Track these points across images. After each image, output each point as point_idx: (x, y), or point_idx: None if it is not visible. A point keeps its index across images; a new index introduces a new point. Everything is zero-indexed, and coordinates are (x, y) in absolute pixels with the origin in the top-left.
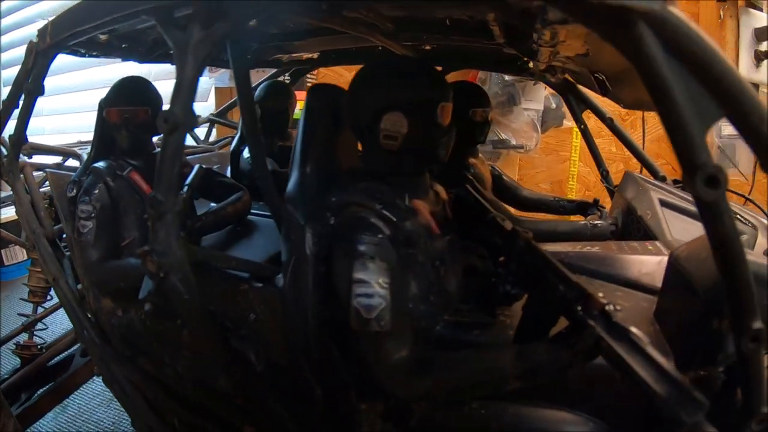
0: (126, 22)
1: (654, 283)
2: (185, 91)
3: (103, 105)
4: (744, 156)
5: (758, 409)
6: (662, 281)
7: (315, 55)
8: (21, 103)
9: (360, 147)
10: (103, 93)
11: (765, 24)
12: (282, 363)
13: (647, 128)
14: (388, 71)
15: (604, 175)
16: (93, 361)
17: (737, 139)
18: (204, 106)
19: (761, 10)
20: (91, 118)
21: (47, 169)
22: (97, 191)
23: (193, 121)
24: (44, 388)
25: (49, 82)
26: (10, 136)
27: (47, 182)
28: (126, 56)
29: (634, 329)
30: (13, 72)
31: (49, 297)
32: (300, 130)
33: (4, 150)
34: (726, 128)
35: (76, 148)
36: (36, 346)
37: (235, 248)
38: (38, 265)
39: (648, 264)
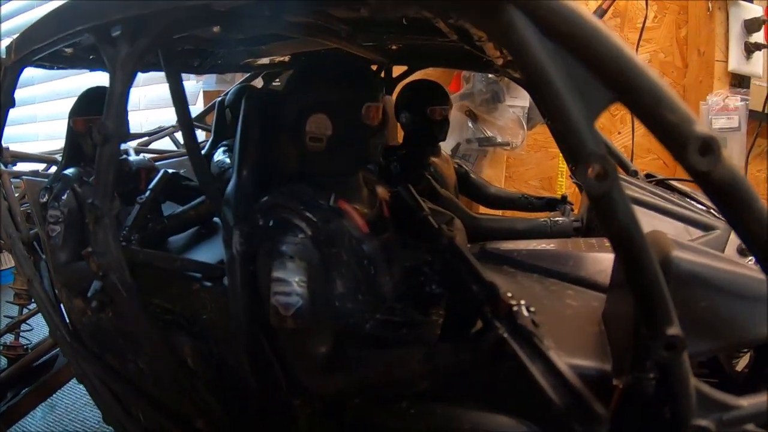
0: (77, 39)
1: (607, 281)
2: (116, 103)
3: (70, 114)
4: (736, 148)
5: (686, 422)
6: (610, 280)
7: (286, 58)
8: None
9: None
10: None
11: (755, 15)
12: (229, 360)
13: (637, 123)
14: (314, 73)
15: (573, 171)
16: (68, 359)
17: (729, 132)
18: (192, 109)
19: (751, 1)
20: None
21: (24, 177)
22: (64, 197)
23: (125, 132)
24: (29, 387)
25: (43, 89)
26: None
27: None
28: (93, 67)
29: (539, 333)
30: None
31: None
32: (237, 136)
33: None
34: (717, 121)
35: (57, 156)
36: (22, 347)
37: (198, 248)
38: None
39: (603, 261)
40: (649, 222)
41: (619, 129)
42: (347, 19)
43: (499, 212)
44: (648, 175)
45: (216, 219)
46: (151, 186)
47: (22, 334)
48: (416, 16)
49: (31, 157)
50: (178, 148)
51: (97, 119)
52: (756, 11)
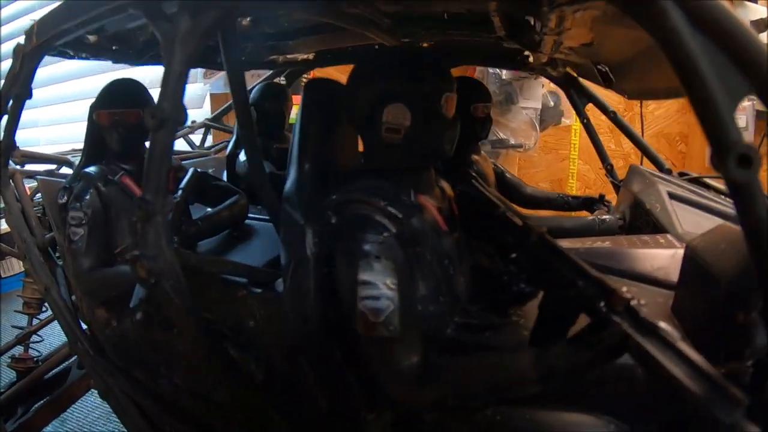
0: (113, 18)
1: (668, 277)
2: (173, 84)
3: (93, 108)
4: None
5: None
6: (679, 275)
7: (310, 56)
8: (9, 108)
9: (361, 143)
10: None
11: (760, 16)
12: (284, 372)
13: (646, 124)
14: (388, 62)
15: (609, 170)
16: (88, 374)
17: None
18: (199, 112)
19: (756, 2)
20: None
21: (38, 177)
22: (88, 197)
23: (183, 116)
24: (41, 402)
25: (45, 92)
26: None
27: (39, 191)
28: (117, 58)
29: (663, 324)
30: None
31: (44, 308)
32: (296, 127)
33: None
34: None
35: (69, 156)
36: (32, 359)
37: (232, 253)
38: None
39: (661, 258)
40: (693, 219)
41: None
42: (391, 13)
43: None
44: (681, 173)
45: (248, 222)
46: (182, 185)
47: (31, 345)
48: (458, 11)
49: (42, 157)
50: (192, 149)
51: (124, 112)
52: (761, 12)
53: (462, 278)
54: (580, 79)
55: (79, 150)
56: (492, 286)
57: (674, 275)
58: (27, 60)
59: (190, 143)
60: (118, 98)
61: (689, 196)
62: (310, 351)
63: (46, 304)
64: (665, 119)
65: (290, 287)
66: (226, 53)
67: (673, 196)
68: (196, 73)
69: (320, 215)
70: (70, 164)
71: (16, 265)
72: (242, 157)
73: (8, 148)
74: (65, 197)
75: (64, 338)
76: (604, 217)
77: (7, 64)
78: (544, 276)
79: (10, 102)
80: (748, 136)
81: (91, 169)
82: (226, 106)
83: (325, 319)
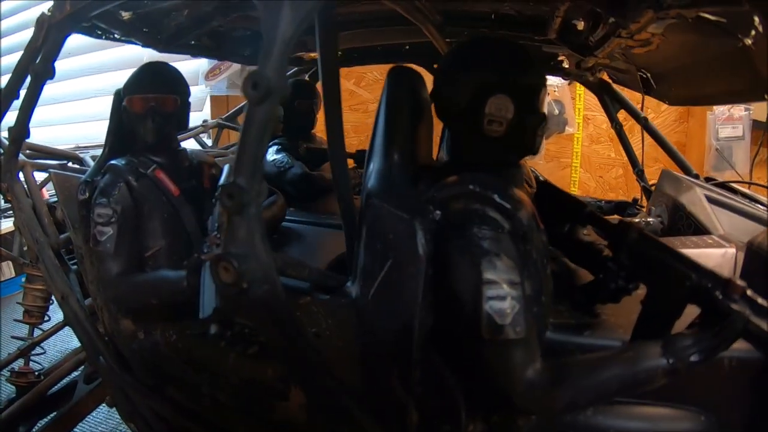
0: None
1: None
2: (279, 51)
3: (124, 93)
4: (740, 156)
5: None
6: (741, 270)
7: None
8: (26, 89)
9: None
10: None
11: None
12: (353, 385)
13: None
14: (491, 52)
15: (639, 174)
16: (109, 393)
17: (734, 141)
18: (199, 115)
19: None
20: (86, 129)
21: (51, 170)
22: (117, 192)
23: (287, 90)
24: (45, 420)
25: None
26: (10, 128)
27: (46, 186)
28: (146, 42)
29: None
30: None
31: (46, 317)
32: (382, 117)
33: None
34: (723, 131)
35: (80, 153)
36: (33, 373)
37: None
38: (34, 281)
39: (713, 257)
40: (730, 221)
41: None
42: (443, 10)
43: None
44: (707, 179)
45: (286, 224)
46: (222, 182)
47: (32, 357)
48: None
49: (50, 152)
50: (204, 149)
51: (161, 98)
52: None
53: (551, 278)
54: (614, 86)
55: (84, 147)
56: (582, 285)
57: (728, 273)
58: (53, 32)
59: (201, 143)
60: (155, 83)
61: (724, 199)
62: (406, 361)
63: (48, 314)
64: (664, 128)
65: (383, 291)
66: (322, 40)
67: (710, 199)
68: (197, 74)
69: (421, 211)
70: (79, 160)
71: (6, 270)
72: (270, 156)
73: (20, 136)
74: (86, 192)
75: (65, 349)
76: (648, 219)
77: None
78: (650, 271)
79: (27, 80)
80: (745, 145)
81: (120, 162)
82: (240, 105)
83: (426, 323)
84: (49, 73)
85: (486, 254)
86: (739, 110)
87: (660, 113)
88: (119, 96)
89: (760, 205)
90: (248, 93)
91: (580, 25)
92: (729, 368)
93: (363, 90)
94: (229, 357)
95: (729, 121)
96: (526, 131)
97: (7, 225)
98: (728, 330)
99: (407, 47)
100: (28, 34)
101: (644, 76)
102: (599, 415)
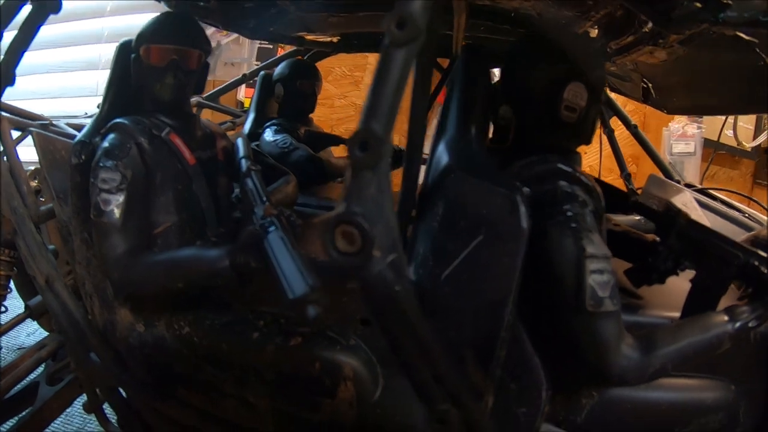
0: None
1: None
2: None
3: (140, 41)
4: (691, 171)
5: None
6: None
7: (335, 39)
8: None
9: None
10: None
11: None
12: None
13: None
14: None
15: (627, 178)
16: (90, 397)
17: (686, 156)
18: None
19: None
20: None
21: (32, 129)
22: (126, 154)
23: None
24: (5, 428)
25: None
26: None
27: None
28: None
29: None
30: None
31: (3, 308)
32: (458, 91)
33: None
34: (677, 146)
35: (61, 119)
36: None
37: None
38: None
39: None
40: (715, 223)
41: (585, 150)
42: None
43: None
44: (687, 185)
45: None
46: (242, 155)
47: None
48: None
49: (20, 113)
50: None
51: (186, 52)
52: None
53: None
54: (608, 92)
55: (66, 117)
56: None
57: None
58: None
59: None
60: (180, 34)
61: (710, 203)
62: (489, 339)
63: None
64: (621, 140)
65: (466, 269)
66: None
67: (700, 203)
68: None
69: (516, 187)
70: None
71: None
72: (269, 136)
73: (4, 81)
74: (83, 156)
75: (13, 345)
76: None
77: None
78: (701, 253)
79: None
80: (696, 161)
81: (127, 120)
82: (223, 86)
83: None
84: (55, 8)
85: (584, 230)
86: (692, 128)
87: (618, 125)
88: (126, 47)
89: (736, 211)
90: (393, 32)
91: (593, 33)
92: (754, 342)
93: (330, 85)
94: (266, 350)
95: (683, 138)
96: (589, 121)
97: None
98: None
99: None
100: None
101: (645, 85)
102: (642, 388)
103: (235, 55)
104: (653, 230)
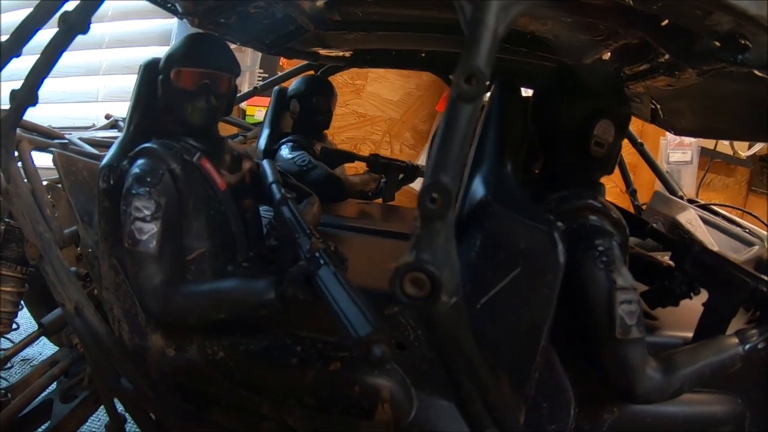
0: None
1: None
2: (487, 45)
3: (169, 64)
4: (688, 180)
5: None
6: None
7: (347, 54)
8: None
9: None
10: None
11: None
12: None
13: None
14: (600, 80)
15: (633, 194)
16: (113, 417)
17: (683, 165)
18: None
19: None
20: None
21: (53, 149)
22: (159, 181)
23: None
24: None
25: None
26: (14, 91)
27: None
28: (184, 9)
29: None
30: None
31: (14, 326)
32: (494, 125)
33: None
34: (674, 155)
35: (72, 133)
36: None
37: None
38: (3, 282)
39: None
40: (718, 240)
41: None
42: None
43: None
44: (690, 200)
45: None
46: (271, 180)
47: None
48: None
49: (37, 129)
50: None
51: (218, 76)
52: None
53: None
54: None
55: (69, 128)
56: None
57: None
58: None
59: None
60: (212, 57)
61: (712, 219)
62: (524, 364)
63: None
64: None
65: (503, 298)
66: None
67: (704, 220)
68: None
69: (553, 223)
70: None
71: None
72: (286, 153)
73: (26, 102)
74: (111, 180)
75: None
76: (683, 235)
77: None
78: (713, 278)
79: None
80: (692, 169)
81: (156, 145)
82: (240, 95)
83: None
84: (84, 27)
85: (614, 263)
86: (689, 137)
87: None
88: (152, 67)
89: (738, 227)
90: (462, 87)
91: (606, 55)
92: (760, 359)
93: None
94: (306, 375)
95: (680, 147)
96: (614, 154)
97: None
98: None
99: (423, 55)
100: None
101: (654, 106)
102: (660, 403)
103: None
104: (659, 249)
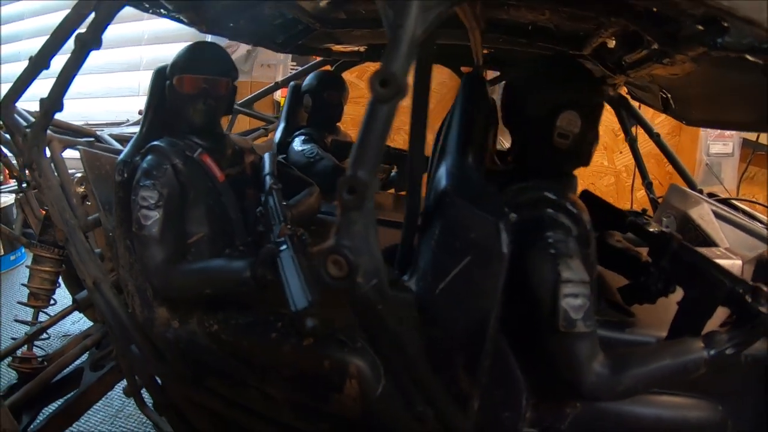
0: None
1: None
2: (406, 51)
3: (173, 71)
4: (729, 172)
5: None
6: (751, 278)
7: (362, 48)
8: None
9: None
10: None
11: None
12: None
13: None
14: (566, 70)
15: (648, 186)
16: (130, 382)
17: (723, 157)
18: None
19: None
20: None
21: (80, 147)
22: (163, 174)
23: (407, 90)
24: (49, 408)
25: None
26: (42, 99)
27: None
28: (191, 20)
29: None
30: None
31: (52, 301)
32: (457, 119)
33: (22, 121)
34: (714, 146)
35: (99, 130)
36: (36, 359)
37: None
38: (42, 262)
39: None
40: (732, 235)
41: (621, 148)
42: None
43: None
44: (710, 194)
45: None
46: (268, 171)
47: (35, 342)
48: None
49: (69, 127)
50: None
51: (215, 80)
52: None
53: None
54: (630, 101)
55: (95, 125)
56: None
57: None
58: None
59: None
60: (209, 64)
61: (727, 215)
62: (475, 350)
63: (54, 296)
64: (642, 142)
65: (456, 286)
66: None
67: (717, 215)
68: None
69: (502, 213)
70: (96, 139)
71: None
72: (297, 145)
73: (53, 108)
74: (125, 173)
75: (59, 332)
76: (663, 229)
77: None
78: (689, 276)
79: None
80: (734, 162)
81: (163, 143)
82: (259, 92)
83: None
84: (97, 43)
85: (562, 256)
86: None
87: (653, 125)
88: (161, 74)
89: (758, 222)
90: (377, 90)
91: (611, 43)
92: (745, 364)
93: (365, 83)
94: (283, 349)
95: (720, 138)
96: (584, 145)
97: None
98: (757, 328)
99: (434, 47)
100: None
101: (664, 96)
102: (627, 402)
103: (270, 57)
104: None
